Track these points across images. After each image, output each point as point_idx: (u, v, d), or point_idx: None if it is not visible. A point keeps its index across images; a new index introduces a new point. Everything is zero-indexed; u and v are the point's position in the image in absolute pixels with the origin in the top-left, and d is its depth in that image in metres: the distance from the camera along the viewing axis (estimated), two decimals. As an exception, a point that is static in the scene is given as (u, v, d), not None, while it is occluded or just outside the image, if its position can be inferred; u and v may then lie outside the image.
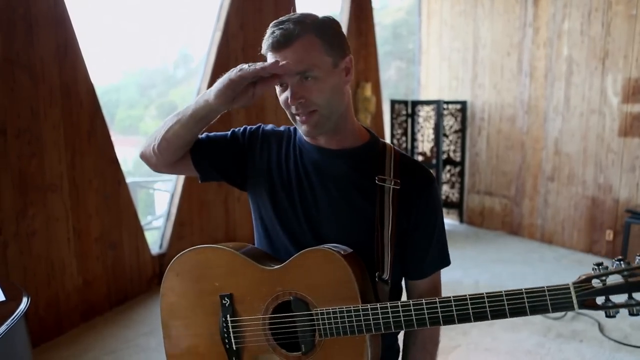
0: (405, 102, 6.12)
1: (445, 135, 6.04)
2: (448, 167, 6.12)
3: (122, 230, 3.70)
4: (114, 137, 3.66)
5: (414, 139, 6.09)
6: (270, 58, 1.08)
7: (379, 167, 1.16)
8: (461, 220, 6.13)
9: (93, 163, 3.43)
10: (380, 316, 1.02)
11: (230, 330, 1.13)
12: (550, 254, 4.99)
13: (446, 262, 1.23)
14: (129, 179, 3.86)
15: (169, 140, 1.18)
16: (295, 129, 1.26)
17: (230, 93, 1.06)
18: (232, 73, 1.05)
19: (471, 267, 4.57)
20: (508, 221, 5.70)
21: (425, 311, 1.00)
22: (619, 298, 0.94)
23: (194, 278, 1.16)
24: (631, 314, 0.92)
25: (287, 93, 1.08)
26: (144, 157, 1.27)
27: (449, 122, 6.02)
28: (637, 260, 0.91)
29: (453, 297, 0.99)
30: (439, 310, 0.99)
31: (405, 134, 6.14)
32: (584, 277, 0.93)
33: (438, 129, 5.79)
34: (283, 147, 1.24)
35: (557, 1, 4.97)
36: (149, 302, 3.78)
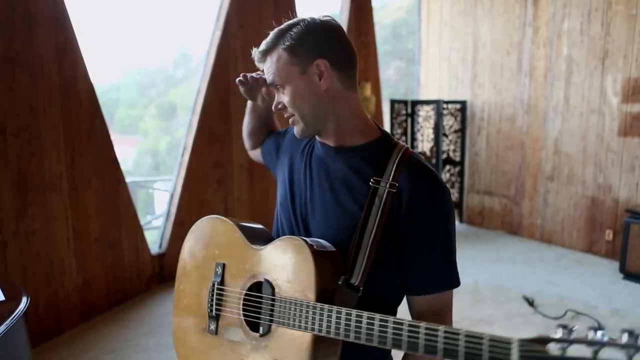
0: (405, 102, 6.12)
1: (445, 135, 6.04)
2: (448, 167, 6.12)
3: (121, 229, 3.70)
4: (114, 137, 3.66)
5: (413, 139, 6.09)
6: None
7: (380, 168, 1.12)
8: (461, 220, 6.13)
9: (92, 162, 3.43)
10: (324, 318, 0.99)
11: (215, 296, 1.21)
12: (550, 253, 5.00)
13: (452, 282, 1.14)
14: (128, 179, 3.86)
15: (244, 128, 1.56)
16: None
17: (246, 94, 1.42)
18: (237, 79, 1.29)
19: (471, 266, 4.57)
20: (508, 221, 5.70)
21: (363, 324, 0.95)
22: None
23: (203, 242, 1.29)
24: None
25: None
26: (244, 142, 1.61)
27: (449, 122, 6.02)
28: (623, 336, 0.71)
29: (393, 318, 0.92)
30: (376, 327, 0.93)
31: (405, 133, 6.14)
32: (538, 337, 0.76)
33: (438, 128, 5.79)
34: (304, 141, 1.31)
35: (557, 1, 4.97)
36: (148, 302, 3.77)
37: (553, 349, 0.74)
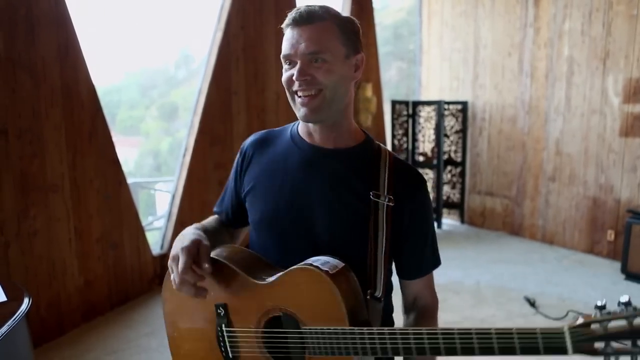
0: (406, 103, 6.12)
1: (446, 136, 6.03)
2: (449, 168, 6.12)
3: (123, 230, 3.71)
4: (115, 138, 3.66)
5: (414, 140, 6.09)
6: (288, 32, 1.12)
7: (373, 175, 1.17)
8: (462, 221, 6.13)
9: (94, 163, 3.43)
10: (366, 340, 1.00)
11: (226, 339, 1.15)
12: (552, 254, 4.99)
13: (439, 262, 1.27)
14: (130, 180, 3.86)
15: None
16: (288, 128, 1.28)
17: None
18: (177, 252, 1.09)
19: (472, 267, 4.56)
20: (509, 221, 5.70)
21: (411, 339, 0.97)
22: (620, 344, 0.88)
23: None
24: None
25: (294, 70, 1.11)
26: None
27: (450, 123, 6.02)
28: None
29: (441, 329, 0.96)
30: (425, 340, 0.96)
31: (406, 134, 6.14)
32: (584, 320, 0.86)
33: (439, 129, 5.79)
34: (277, 146, 1.25)
35: (558, 1, 4.97)
36: (150, 303, 3.78)
37: (597, 329, 0.84)
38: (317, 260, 1.07)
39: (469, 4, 5.86)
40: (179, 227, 4.13)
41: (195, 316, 1.19)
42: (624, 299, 0.84)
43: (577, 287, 4.12)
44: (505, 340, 0.90)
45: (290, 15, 1.12)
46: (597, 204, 4.83)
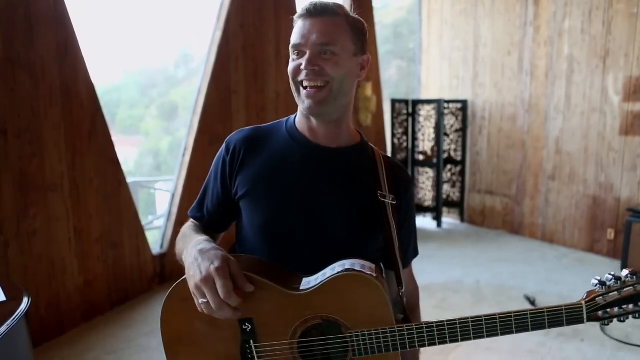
0: (406, 102, 6.12)
1: (446, 135, 6.03)
2: (449, 166, 6.12)
3: (123, 230, 3.71)
4: (115, 137, 3.66)
5: (414, 138, 6.08)
6: (299, 23, 1.12)
7: (375, 175, 1.20)
8: (462, 220, 6.13)
9: (94, 163, 3.43)
10: (415, 335, 1.07)
11: (255, 356, 1.08)
12: (552, 253, 4.99)
13: (418, 251, 1.36)
14: (129, 179, 3.86)
15: None
16: (281, 124, 1.23)
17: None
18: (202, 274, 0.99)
19: (472, 266, 4.56)
20: (509, 220, 5.69)
21: (459, 328, 1.08)
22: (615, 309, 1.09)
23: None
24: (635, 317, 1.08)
25: (302, 60, 1.10)
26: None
27: (450, 121, 6.01)
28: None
29: (485, 316, 1.08)
30: (470, 328, 1.08)
31: (406, 133, 6.14)
32: (591, 295, 1.08)
33: (439, 128, 5.79)
34: (273, 144, 1.20)
35: (558, 0, 4.96)
36: (150, 302, 3.78)
37: (600, 300, 1.07)
38: (354, 264, 1.07)
39: (468, 2, 5.85)
40: (179, 226, 4.09)
41: (208, 336, 1.09)
42: (625, 272, 1.09)
43: (577, 285, 4.11)
44: (538, 317, 1.05)
45: (304, 7, 1.13)
46: (597, 203, 4.82)
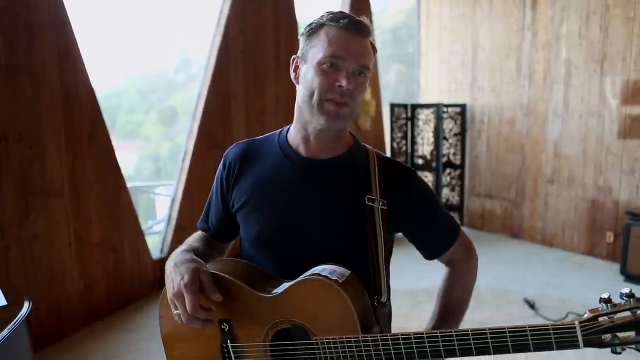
0: (405, 106, 6.13)
1: (446, 139, 6.04)
2: (448, 171, 6.13)
3: (123, 234, 3.71)
4: (115, 142, 3.67)
5: (414, 143, 6.10)
6: (337, 34, 1.08)
7: (366, 180, 1.17)
8: (462, 224, 6.13)
9: (94, 168, 3.44)
10: (381, 347, 1.02)
11: (232, 356, 1.12)
12: (551, 256, 4.99)
13: (457, 227, 1.29)
14: (130, 184, 3.87)
15: None
16: (273, 138, 1.25)
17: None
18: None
19: (472, 270, 4.56)
20: (509, 224, 5.70)
21: (427, 343, 0.99)
22: (626, 334, 0.93)
23: None
24: (638, 350, 0.91)
25: (339, 75, 1.06)
26: None
27: (449, 126, 6.03)
28: None
29: (455, 331, 0.98)
30: (440, 343, 0.98)
31: (405, 137, 6.15)
32: (592, 314, 0.91)
33: (438, 132, 5.80)
34: (267, 159, 1.22)
35: (556, 4, 4.99)
36: (150, 307, 3.78)
37: (605, 321, 0.89)
38: (324, 270, 1.06)
39: (467, 7, 5.88)
40: (179, 231, 4.13)
41: (196, 334, 1.15)
42: (626, 290, 0.90)
43: (576, 289, 4.12)
44: (519, 338, 0.92)
45: (339, 19, 1.08)
46: (596, 206, 4.83)
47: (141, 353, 3.12)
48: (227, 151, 1.29)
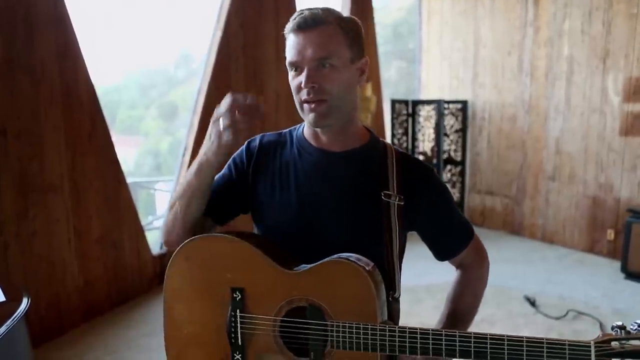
0: (405, 102, 6.12)
1: (446, 135, 6.03)
2: (449, 167, 6.12)
3: (122, 230, 3.71)
4: (115, 138, 3.66)
5: (414, 139, 6.08)
6: (292, 38, 1.09)
7: (382, 175, 1.17)
8: (462, 220, 6.12)
9: (94, 164, 3.43)
10: (396, 338, 1.02)
11: (239, 325, 1.11)
12: (552, 253, 4.99)
13: (471, 230, 1.28)
14: (129, 179, 3.86)
15: (178, 220, 1.17)
16: (292, 132, 1.27)
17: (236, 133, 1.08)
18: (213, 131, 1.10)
19: (472, 266, 4.56)
20: (509, 221, 5.70)
21: (443, 341, 1.01)
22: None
23: (204, 265, 1.14)
24: None
25: (301, 77, 1.09)
26: (170, 245, 1.21)
27: (450, 122, 6.01)
28: None
29: (473, 333, 1.00)
30: (457, 343, 1.00)
31: (406, 133, 6.14)
32: (605, 337, 0.94)
33: (439, 128, 5.79)
34: (285, 151, 1.23)
35: (558, 0, 4.96)
36: (150, 302, 3.78)
37: (616, 346, 0.93)
38: (351, 256, 1.07)
39: (468, 2, 5.86)
40: (179, 227, 4.12)
41: (202, 297, 1.13)
42: (638, 321, 0.94)
43: (577, 286, 4.11)
44: (535, 349, 0.95)
45: (293, 20, 1.09)
46: (597, 203, 4.82)
47: (141, 349, 3.12)
48: (254, 137, 1.28)
